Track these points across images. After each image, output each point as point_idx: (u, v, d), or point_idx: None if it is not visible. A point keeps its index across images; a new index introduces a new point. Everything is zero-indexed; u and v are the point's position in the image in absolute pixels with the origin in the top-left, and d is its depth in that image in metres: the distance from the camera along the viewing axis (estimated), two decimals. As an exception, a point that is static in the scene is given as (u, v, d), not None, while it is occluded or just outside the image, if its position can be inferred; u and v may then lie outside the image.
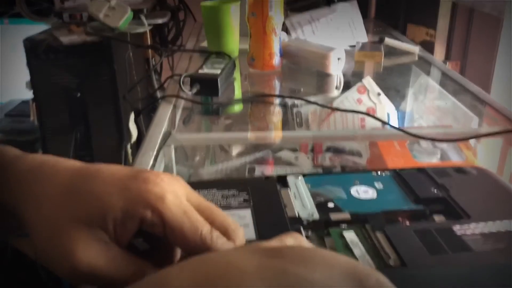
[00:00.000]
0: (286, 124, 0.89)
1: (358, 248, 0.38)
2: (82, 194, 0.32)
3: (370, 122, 0.85)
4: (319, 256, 0.24)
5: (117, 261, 0.31)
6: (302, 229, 0.41)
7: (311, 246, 0.31)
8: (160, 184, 0.31)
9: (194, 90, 0.88)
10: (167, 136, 0.76)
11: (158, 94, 1.28)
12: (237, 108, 0.95)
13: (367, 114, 0.84)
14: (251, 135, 0.86)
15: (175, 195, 0.32)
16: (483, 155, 0.81)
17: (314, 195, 0.45)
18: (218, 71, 0.93)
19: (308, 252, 0.24)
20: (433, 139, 0.75)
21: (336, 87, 1.02)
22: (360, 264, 0.24)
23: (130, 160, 1.28)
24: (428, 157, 0.81)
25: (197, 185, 0.41)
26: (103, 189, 0.31)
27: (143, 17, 1.46)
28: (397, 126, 0.83)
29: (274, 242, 0.29)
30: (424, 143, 0.82)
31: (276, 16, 1.01)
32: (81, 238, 0.31)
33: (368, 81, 0.91)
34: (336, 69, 1.03)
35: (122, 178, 0.32)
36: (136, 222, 0.31)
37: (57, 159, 0.35)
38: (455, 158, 0.81)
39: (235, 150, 0.99)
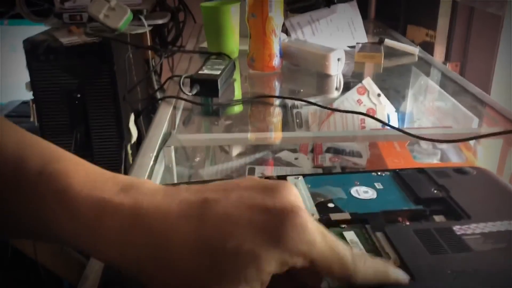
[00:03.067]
0: (286, 125, 0.89)
1: (358, 248, 0.38)
2: (219, 250, 0.27)
3: (370, 123, 0.85)
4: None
5: None
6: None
7: None
8: (304, 217, 0.28)
9: (194, 91, 0.88)
10: (167, 136, 0.76)
11: (158, 95, 1.29)
12: (237, 109, 0.95)
13: (367, 115, 0.84)
14: (251, 136, 0.86)
15: (317, 227, 0.29)
16: (483, 156, 0.81)
17: (314, 195, 0.45)
18: (218, 72, 0.93)
19: None
20: (433, 140, 0.75)
21: (336, 88, 1.02)
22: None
23: (130, 161, 1.28)
24: (428, 158, 0.81)
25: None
26: (243, 237, 0.27)
27: (143, 18, 1.46)
28: (397, 127, 0.83)
29: None
30: (424, 144, 0.82)
31: (276, 17, 1.01)
32: None
33: (368, 82, 0.91)
34: (336, 70, 1.03)
35: (250, 210, 0.28)
36: (284, 269, 0.28)
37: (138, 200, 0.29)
38: (455, 159, 0.81)
39: (235, 151, 0.99)
